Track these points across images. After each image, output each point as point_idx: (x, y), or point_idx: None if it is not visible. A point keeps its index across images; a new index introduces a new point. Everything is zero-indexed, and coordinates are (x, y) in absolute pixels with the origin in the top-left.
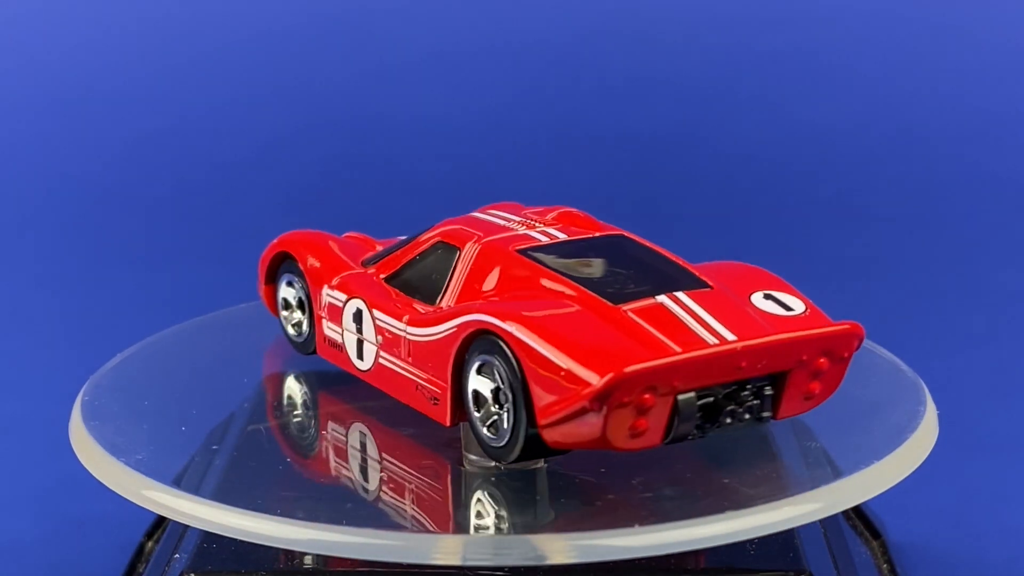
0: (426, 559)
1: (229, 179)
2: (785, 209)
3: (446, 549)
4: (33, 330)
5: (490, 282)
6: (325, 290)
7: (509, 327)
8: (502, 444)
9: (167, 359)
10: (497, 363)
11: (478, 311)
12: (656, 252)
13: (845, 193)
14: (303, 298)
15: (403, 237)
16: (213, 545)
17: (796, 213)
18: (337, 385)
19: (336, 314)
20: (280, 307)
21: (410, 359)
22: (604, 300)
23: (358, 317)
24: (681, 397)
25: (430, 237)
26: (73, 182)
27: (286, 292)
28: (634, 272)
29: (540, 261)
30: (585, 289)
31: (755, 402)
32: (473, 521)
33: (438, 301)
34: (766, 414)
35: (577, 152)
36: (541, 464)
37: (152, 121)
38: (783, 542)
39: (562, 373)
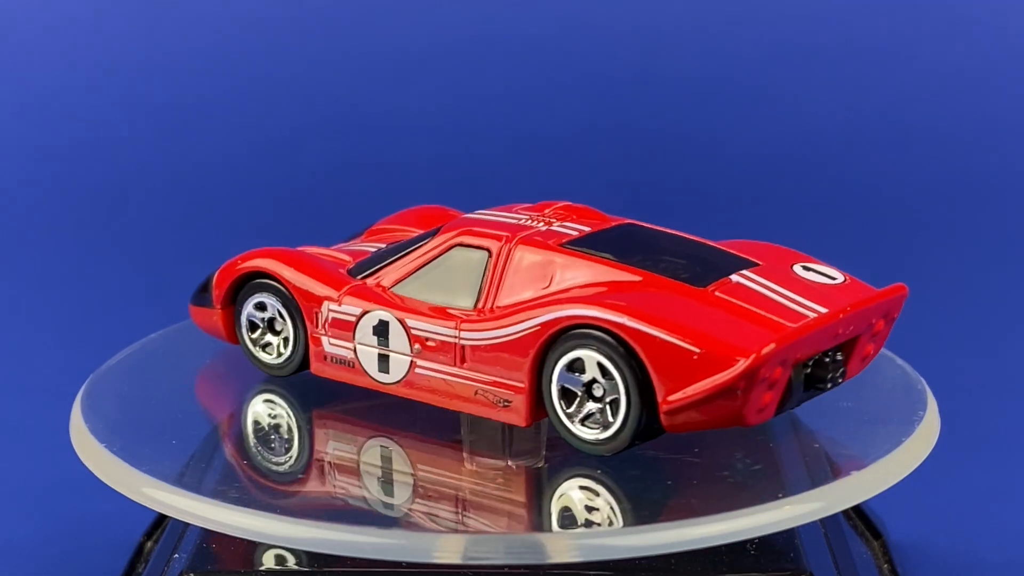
0: (427, 558)
1: (230, 179)
2: (782, 207)
3: (447, 548)
4: (33, 330)
5: (543, 279)
6: (327, 306)
7: (621, 319)
8: (608, 436)
9: (167, 358)
10: (601, 356)
11: (569, 305)
12: (683, 236)
13: (846, 192)
14: (277, 318)
15: (369, 244)
16: (212, 545)
17: (793, 211)
18: (331, 395)
19: (345, 329)
20: (244, 330)
21: (465, 364)
22: (687, 284)
23: (382, 329)
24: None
25: (442, 242)
26: (73, 182)
27: (253, 314)
28: (682, 256)
29: (590, 254)
30: (657, 275)
31: (838, 369)
32: (557, 516)
33: (479, 304)
34: (842, 379)
35: (547, 150)
36: (543, 463)
37: (151, 121)
38: (783, 542)
39: (695, 357)
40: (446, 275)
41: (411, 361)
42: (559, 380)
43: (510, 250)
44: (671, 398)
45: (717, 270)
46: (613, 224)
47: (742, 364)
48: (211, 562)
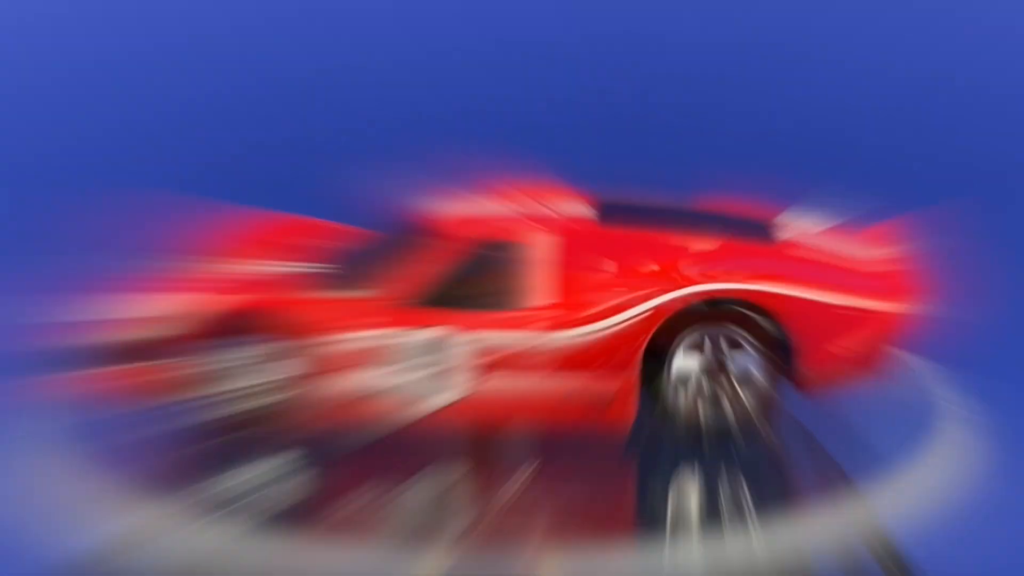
0: None
1: (229, 177)
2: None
3: (428, 564)
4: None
5: (603, 261)
6: (345, 336)
7: (761, 286)
8: (741, 411)
9: None
10: (732, 329)
11: (683, 283)
12: (667, 202)
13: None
14: (258, 361)
15: (315, 265)
16: None
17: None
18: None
19: (376, 357)
20: (220, 381)
21: (551, 368)
22: (762, 244)
23: (431, 348)
24: None
25: (459, 246)
26: (70, 181)
27: (233, 360)
28: (707, 220)
29: (636, 229)
30: (727, 240)
31: None
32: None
33: (531, 303)
34: None
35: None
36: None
37: (148, 116)
38: None
39: (850, 312)
40: (478, 280)
41: (474, 377)
42: (679, 363)
43: (550, 240)
44: (825, 354)
45: (755, 228)
46: (600, 199)
47: (900, 310)
48: None
